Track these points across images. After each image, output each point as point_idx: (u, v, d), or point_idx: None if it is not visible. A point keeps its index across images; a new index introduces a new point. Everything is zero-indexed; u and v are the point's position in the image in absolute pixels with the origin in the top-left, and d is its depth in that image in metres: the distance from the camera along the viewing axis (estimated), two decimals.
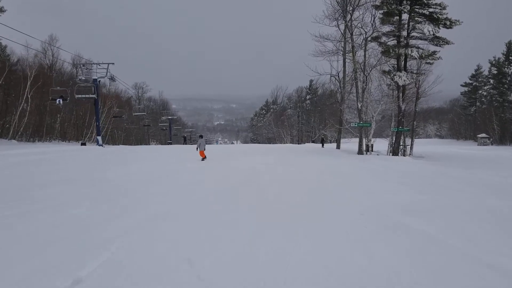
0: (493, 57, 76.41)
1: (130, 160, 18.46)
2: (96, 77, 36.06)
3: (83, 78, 36.42)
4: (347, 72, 31.88)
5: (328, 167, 16.03)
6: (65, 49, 59.16)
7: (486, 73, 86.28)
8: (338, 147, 35.25)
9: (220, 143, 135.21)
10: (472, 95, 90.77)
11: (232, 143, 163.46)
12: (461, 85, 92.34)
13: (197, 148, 19.52)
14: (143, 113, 70.90)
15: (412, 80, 25.90)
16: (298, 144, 75.54)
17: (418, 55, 24.90)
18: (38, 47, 55.91)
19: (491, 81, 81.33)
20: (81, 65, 36.30)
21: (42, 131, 49.73)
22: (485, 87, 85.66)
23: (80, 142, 42.36)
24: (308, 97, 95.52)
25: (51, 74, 56.04)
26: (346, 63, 31.79)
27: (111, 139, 74.20)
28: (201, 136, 20.95)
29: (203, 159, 18.81)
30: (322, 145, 46.37)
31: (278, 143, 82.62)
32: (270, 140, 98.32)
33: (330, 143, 78.11)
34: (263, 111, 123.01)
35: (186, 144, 65.98)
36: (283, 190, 9.40)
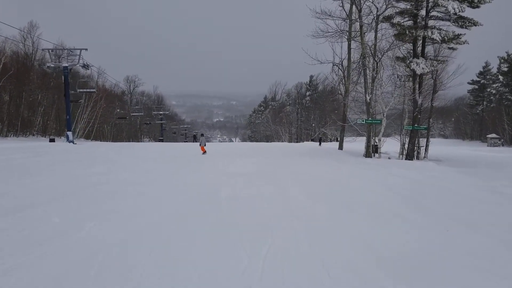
0: (506, 52, 71.78)
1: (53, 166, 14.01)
2: (67, 65, 31.61)
3: (52, 65, 32.00)
4: (353, 60, 27.22)
5: (326, 181, 11.31)
6: (46, 39, 54.46)
7: (494, 70, 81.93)
8: (340, 147, 30.76)
9: (220, 141, 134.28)
10: (479, 93, 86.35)
11: (231, 140, 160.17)
12: (468, 83, 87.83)
13: (200, 144, 23.57)
14: (140, 114, 70.72)
15: (432, 68, 21.44)
16: (297, 142, 71.24)
17: (440, 38, 20.47)
18: (17, 35, 51.68)
19: (501, 78, 76.90)
20: (49, 50, 31.77)
21: (18, 125, 45.55)
22: (494, 85, 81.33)
23: (49, 138, 37.82)
24: (308, 93, 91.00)
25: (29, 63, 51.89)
26: (352, 48, 27.17)
27: (101, 135, 69.85)
28: (202, 135, 25.38)
29: (203, 153, 22.09)
30: (320, 144, 44.87)
31: (276, 141, 78.37)
32: (268, 138, 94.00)
33: (330, 141, 73.76)
34: (262, 107, 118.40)
35: (195, 142, 64.45)
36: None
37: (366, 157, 22.97)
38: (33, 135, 48.44)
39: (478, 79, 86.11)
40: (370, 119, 22.71)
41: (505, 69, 74.49)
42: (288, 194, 8.82)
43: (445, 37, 20.79)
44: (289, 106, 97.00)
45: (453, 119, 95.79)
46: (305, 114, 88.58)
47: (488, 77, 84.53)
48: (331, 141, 75.10)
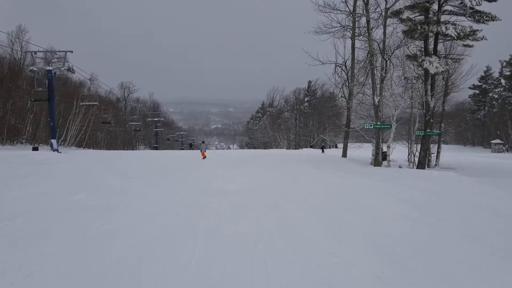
0: (510, 55, 70.18)
1: None
2: (51, 68, 29.57)
3: (35, 69, 29.97)
4: (357, 59, 25.15)
5: (339, 202, 8.74)
6: (35, 43, 52.25)
7: (496, 74, 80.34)
8: (344, 155, 28.67)
9: (219, 149, 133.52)
10: (481, 98, 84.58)
11: (229, 147, 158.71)
12: (469, 88, 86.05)
13: (200, 150, 26.65)
14: (138, 123, 71.91)
15: (446, 66, 19.46)
16: (296, 149, 69.17)
17: (455, 34, 18.51)
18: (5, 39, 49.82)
19: (503, 82, 75.25)
20: (33, 53, 29.76)
21: (4, 133, 43.40)
22: (496, 90, 79.67)
23: (32, 146, 35.55)
24: (306, 99, 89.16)
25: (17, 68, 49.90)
26: (356, 48, 25.17)
27: (94, 143, 67.68)
28: (203, 142, 28.07)
29: (203, 158, 24.49)
30: (322, 151, 44.40)
31: (274, 148, 76.32)
32: (266, 145, 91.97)
33: (329, 148, 71.67)
34: (259, 114, 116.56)
35: (191, 149, 63.75)
36: None
37: (374, 165, 20.84)
38: (21, 143, 46.23)
39: (479, 83, 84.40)
40: (379, 123, 20.56)
41: (508, 73, 72.90)
42: (295, 233, 5.92)
43: (461, 33, 18.83)
44: (287, 112, 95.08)
45: (460, 124, 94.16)
46: (303, 120, 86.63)
47: (489, 81, 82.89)
48: (330, 148, 73.11)
